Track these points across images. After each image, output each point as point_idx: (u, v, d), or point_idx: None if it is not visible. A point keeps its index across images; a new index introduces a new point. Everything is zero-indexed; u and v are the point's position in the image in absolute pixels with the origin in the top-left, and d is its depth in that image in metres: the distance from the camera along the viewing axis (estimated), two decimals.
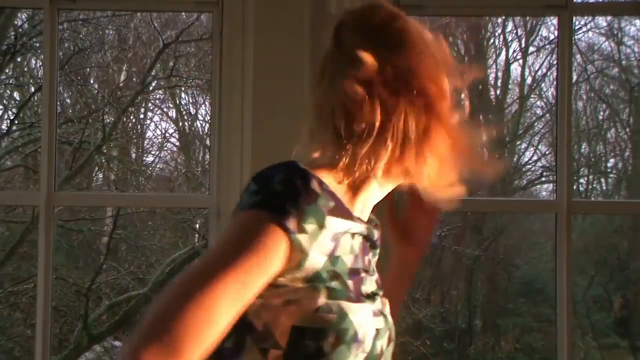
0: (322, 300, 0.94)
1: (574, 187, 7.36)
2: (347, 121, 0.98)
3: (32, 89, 6.62)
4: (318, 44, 1.87)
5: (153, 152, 7.53)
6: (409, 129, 0.96)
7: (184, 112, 7.70)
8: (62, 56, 6.07)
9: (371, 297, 1.02)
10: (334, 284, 0.95)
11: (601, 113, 8.03)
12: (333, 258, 0.96)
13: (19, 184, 6.34)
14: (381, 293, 1.07)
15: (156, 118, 7.56)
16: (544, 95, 7.91)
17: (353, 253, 0.99)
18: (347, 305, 0.95)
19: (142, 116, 7.53)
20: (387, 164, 0.99)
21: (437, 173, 0.99)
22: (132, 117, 7.25)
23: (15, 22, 6.34)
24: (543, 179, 7.86)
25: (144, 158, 7.47)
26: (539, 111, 8.05)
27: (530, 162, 8.01)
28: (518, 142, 8.04)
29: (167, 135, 7.53)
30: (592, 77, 7.90)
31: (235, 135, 1.96)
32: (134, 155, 7.26)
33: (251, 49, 1.92)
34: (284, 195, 0.93)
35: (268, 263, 0.91)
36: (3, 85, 6.70)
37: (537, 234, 8.02)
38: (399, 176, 1.02)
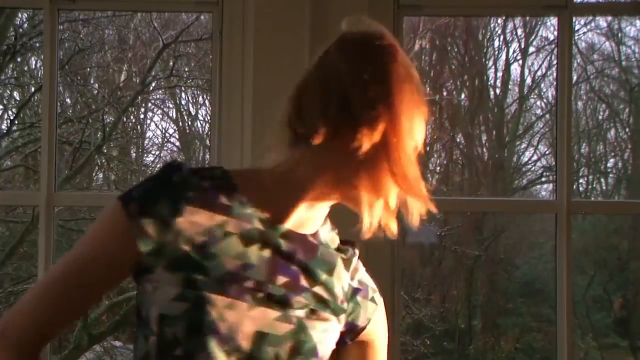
0: (179, 288, 0.95)
1: (574, 187, 7.36)
2: (295, 126, 1.02)
3: (32, 89, 6.62)
4: (318, 44, 1.87)
5: (153, 152, 7.54)
6: (360, 153, 0.96)
7: (184, 112, 7.70)
8: (62, 56, 6.07)
9: (264, 302, 0.98)
10: (200, 276, 0.96)
11: (601, 113, 8.04)
12: (204, 252, 0.96)
13: (19, 184, 6.34)
14: (295, 303, 1.01)
15: (156, 118, 7.57)
16: (544, 95, 7.92)
17: (243, 261, 0.98)
18: (209, 297, 0.95)
19: (142, 116, 7.53)
20: (327, 180, 1.00)
21: (375, 203, 0.99)
22: (132, 117, 7.26)
23: (15, 22, 6.34)
24: (543, 179, 7.87)
25: (144, 158, 7.47)
26: (539, 111, 8.06)
27: (530, 162, 8.02)
28: (518, 142, 8.05)
29: (167, 135, 7.54)
30: (592, 78, 7.90)
31: (235, 135, 1.96)
32: (134, 155, 7.26)
33: (251, 49, 1.92)
34: (138, 185, 1.01)
35: (103, 244, 0.98)
36: (3, 85, 6.70)
37: (537, 234, 8.02)
38: (335, 196, 1.02)
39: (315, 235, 1.05)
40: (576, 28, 7.36)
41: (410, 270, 7.25)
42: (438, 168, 7.96)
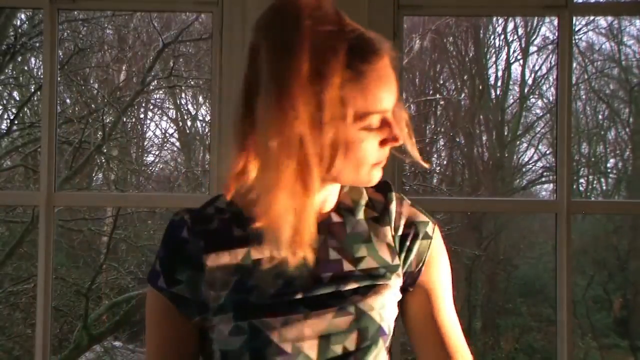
0: (231, 323, 0.96)
1: (574, 187, 7.37)
2: None
3: (32, 89, 6.63)
4: None
5: (153, 152, 7.55)
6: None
7: (184, 112, 7.71)
8: (62, 56, 6.07)
9: (318, 304, 0.97)
10: (248, 308, 0.97)
11: (601, 113, 8.05)
12: (243, 289, 0.97)
13: (19, 184, 6.34)
14: (347, 290, 0.99)
15: (156, 118, 7.58)
16: (544, 95, 7.93)
17: (283, 278, 0.98)
18: (264, 322, 0.95)
19: (142, 116, 7.54)
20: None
21: None
22: (132, 117, 7.26)
23: (15, 22, 6.35)
24: (543, 179, 7.88)
25: (144, 158, 7.48)
26: (539, 111, 8.07)
27: (530, 162, 8.03)
28: (518, 142, 8.06)
29: (167, 135, 7.55)
30: (592, 77, 7.91)
31: None
32: (134, 155, 7.27)
33: None
34: (156, 257, 1.03)
35: (161, 332, 1.01)
36: (3, 85, 6.71)
37: (537, 234, 8.04)
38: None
39: (337, 210, 1.04)
40: (576, 28, 7.38)
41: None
42: (438, 168, 7.97)
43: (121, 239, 6.55)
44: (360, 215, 1.05)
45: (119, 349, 6.60)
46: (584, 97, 7.86)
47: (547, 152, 7.79)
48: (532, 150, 7.99)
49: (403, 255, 1.05)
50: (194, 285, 0.98)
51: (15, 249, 5.95)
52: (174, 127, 7.68)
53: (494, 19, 7.78)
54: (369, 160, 0.97)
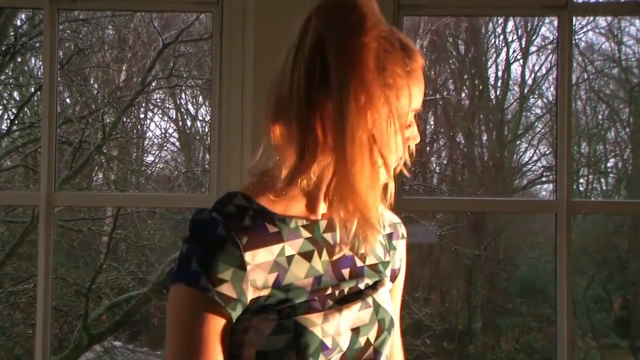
0: (273, 323, 0.94)
1: (574, 187, 7.36)
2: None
3: (32, 89, 6.62)
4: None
5: (153, 152, 7.54)
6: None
7: (184, 112, 7.71)
8: (62, 56, 6.07)
9: (344, 300, 1.01)
10: (288, 305, 0.96)
11: (601, 113, 8.04)
12: (281, 287, 0.97)
13: (19, 184, 6.34)
14: (362, 285, 1.03)
15: (156, 118, 7.57)
16: (544, 95, 7.92)
17: (313, 274, 0.99)
18: (307, 319, 0.95)
19: (142, 116, 7.54)
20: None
21: None
22: (132, 117, 7.26)
23: (15, 22, 6.34)
24: (543, 179, 7.87)
25: (144, 158, 7.47)
26: (539, 111, 8.06)
27: (530, 162, 8.02)
28: (518, 142, 8.05)
29: (167, 135, 7.54)
30: (592, 77, 7.90)
31: (235, 135, 1.96)
32: (134, 155, 7.27)
33: (251, 49, 1.92)
34: (186, 257, 0.95)
35: (203, 335, 0.93)
36: (3, 85, 6.71)
37: (537, 234, 8.03)
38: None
39: None
40: (576, 28, 7.37)
41: (410, 270, 7.24)
42: (438, 168, 7.96)
43: (121, 239, 6.55)
44: None
45: (119, 349, 6.60)
46: (584, 97, 7.85)
47: (547, 152, 7.78)
48: (532, 150, 7.98)
49: (391, 252, 1.13)
50: (238, 284, 0.94)
51: (15, 249, 5.94)
52: (174, 127, 7.68)
53: (494, 19, 7.77)
54: (396, 156, 1.01)
